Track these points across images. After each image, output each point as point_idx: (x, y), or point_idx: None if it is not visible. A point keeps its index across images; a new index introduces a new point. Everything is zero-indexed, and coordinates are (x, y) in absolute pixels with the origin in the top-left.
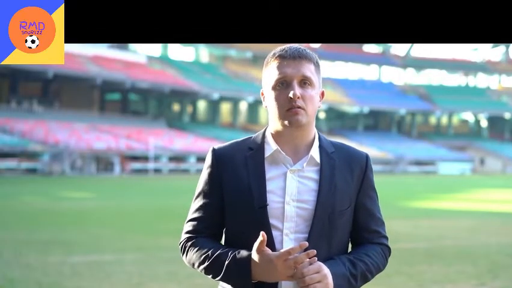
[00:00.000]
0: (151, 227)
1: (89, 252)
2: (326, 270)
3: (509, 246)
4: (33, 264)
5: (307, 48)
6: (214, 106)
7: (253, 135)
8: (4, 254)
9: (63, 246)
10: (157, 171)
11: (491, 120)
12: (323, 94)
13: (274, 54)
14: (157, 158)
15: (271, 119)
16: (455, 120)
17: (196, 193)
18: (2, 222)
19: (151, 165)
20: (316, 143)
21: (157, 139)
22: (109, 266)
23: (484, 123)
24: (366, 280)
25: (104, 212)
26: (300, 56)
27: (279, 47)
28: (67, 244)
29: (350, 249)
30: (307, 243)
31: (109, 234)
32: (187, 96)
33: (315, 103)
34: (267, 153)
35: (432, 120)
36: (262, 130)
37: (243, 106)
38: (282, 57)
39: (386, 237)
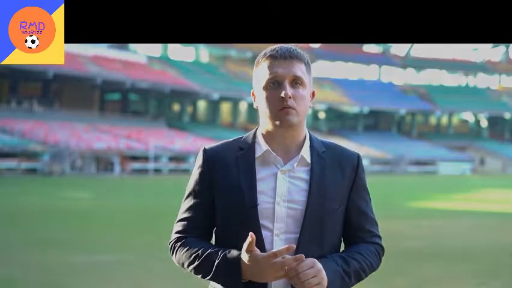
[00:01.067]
0: (151, 227)
1: (89, 252)
2: (319, 264)
3: (509, 246)
4: (33, 264)
5: (299, 48)
6: (214, 106)
7: (244, 135)
8: (4, 254)
9: (63, 246)
10: (157, 171)
11: (491, 120)
12: (313, 94)
13: (265, 54)
14: (157, 158)
15: (262, 119)
16: (455, 120)
17: (187, 193)
18: (2, 222)
19: (151, 165)
20: (307, 143)
21: (157, 139)
22: (109, 266)
23: (484, 123)
24: (359, 278)
25: (104, 212)
26: (291, 56)
27: (270, 47)
28: (67, 244)
29: (342, 250)
30: (294, 246)
31: (109, 234)
32: (187, 96)
33: (306, 103)
34: (257, 154)
35: (432, 120)
36: (253, 130)
37: (243, 106)
38: (273, 57)
39: (380, 237)
